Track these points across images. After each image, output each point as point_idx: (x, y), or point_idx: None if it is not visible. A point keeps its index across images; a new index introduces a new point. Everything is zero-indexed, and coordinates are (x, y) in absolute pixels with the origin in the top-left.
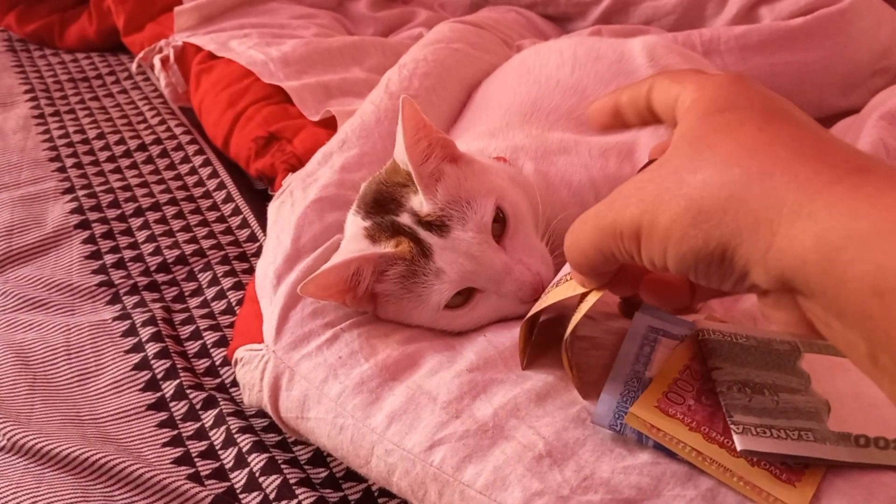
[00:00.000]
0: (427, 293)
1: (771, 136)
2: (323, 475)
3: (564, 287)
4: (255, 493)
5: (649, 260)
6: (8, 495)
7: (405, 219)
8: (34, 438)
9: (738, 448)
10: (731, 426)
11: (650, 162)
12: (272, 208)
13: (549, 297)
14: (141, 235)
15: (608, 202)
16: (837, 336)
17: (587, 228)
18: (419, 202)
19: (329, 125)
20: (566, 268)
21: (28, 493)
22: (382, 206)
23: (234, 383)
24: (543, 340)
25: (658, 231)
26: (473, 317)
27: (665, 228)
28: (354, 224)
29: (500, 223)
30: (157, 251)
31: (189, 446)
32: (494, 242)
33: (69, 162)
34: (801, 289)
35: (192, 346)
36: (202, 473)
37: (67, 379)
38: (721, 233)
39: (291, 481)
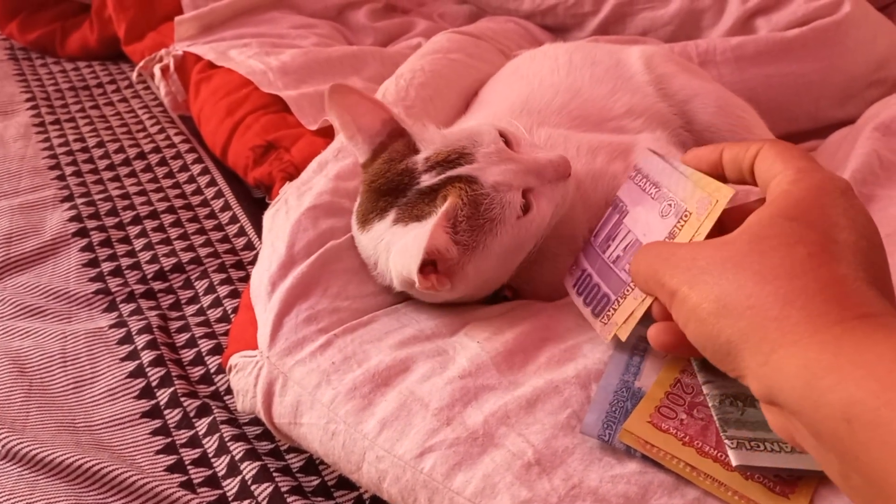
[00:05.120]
0: (500, 209)
1: (813, 266)
2: (315, 483)
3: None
4: (247, 501)
5: (676, 318)
6: (2, 502)
7: (427, 179)
8: (29, 445)
9: (734, 464)
10: (726, 441)
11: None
12: (267, 216)
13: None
14: (139, 243)
15: (668, 253)
16: (815, 452)
17: (648, 260)
18: (423, 156)
19: (327, 134)
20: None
21: (22, 500)
22: (392, 192)
23: (228, 391)
24: None
25: (688, 303)
26: (542, 215)
27: (694, 304)
28: (376, 232)
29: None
30: (154, 259)
31: (182, 454)
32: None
33: (69, 170)
34: (784, 406)
35: (188, 354)
36: (195, 481)
37: (63, 386)
38: (732, 331)
39: (283, 489)
